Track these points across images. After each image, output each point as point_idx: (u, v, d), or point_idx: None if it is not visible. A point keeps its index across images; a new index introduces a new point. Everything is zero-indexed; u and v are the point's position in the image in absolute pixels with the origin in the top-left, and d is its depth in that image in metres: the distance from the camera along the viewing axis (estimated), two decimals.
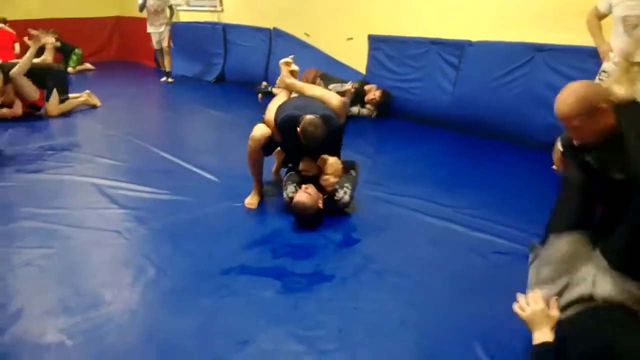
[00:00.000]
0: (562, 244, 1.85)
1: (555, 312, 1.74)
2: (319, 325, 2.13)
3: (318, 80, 5.51)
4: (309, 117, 2.91)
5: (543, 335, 1.69)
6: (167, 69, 8.00)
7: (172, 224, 3.08)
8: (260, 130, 3.19)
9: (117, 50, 10.81)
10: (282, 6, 6.91)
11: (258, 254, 2.75)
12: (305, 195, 2.95)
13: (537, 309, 1.73)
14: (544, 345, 1.67)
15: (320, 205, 3.01)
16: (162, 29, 7.77)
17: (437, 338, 2.06)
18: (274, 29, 7.09)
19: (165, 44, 7.87)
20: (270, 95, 5.90)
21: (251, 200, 3.35)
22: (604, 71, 3.63)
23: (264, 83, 6.33)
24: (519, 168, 4.06)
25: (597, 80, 3.63)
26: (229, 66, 7.88)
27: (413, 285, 2.43)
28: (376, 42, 5.81)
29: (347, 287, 2.43)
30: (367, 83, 5.69)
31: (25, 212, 3.22)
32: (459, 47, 5.01)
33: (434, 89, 5.22)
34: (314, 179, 3.09)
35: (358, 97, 5.55)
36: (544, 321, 1.71)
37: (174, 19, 8.34)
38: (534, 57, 4.49)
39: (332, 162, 3.02)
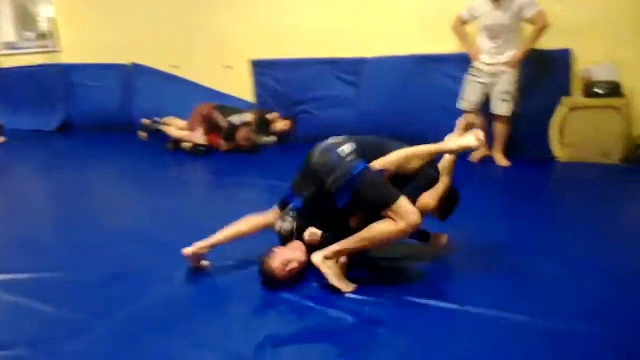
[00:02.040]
0: None
1: None
2: None
3: (215, 112, 5.03)
4: None
5: None
6: None
7: None
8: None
9: None
10: (140, 40, 6.19)
11: None
12: (278, 262, 2.26)
13: None
14: None
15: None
16: None
17: None
18: (133, 64, 6.31)
19: None
20: (159, 133, 5.25)
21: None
22: (471, 67, 4.26)
23: (146, 120, 5.51)
24: None
25: (467, 77, 4.28)
26: (76, 111, 6.76)
27: None
28: (260, 67, 5.56)
29: None
30: (268, 111, 5.39)
31: None
32: (355, 65, 5.03)
33: (335, 108, 5.16)
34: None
35: (261, 126, 5.21)
36: None
37: None
38: (429, 68, 4.68)
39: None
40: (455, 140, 2.39)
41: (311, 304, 2.15)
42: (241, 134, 5.04)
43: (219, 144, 5.13)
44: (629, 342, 1.84)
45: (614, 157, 4.11)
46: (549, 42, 4.26)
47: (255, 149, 5.08)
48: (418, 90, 4.74)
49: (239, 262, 2.54)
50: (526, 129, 4.42)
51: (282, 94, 5.44)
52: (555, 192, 3.88)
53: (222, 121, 5.07)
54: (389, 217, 2.12)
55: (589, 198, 3.47)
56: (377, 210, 2.15)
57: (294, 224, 2.40)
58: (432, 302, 2.14)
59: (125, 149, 5.53)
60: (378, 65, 4.93)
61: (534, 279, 2.33)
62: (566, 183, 3.96)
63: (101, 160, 5.18)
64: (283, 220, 2.44)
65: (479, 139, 2.23)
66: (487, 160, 4.38)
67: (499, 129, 4.30)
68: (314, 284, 2.30)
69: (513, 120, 4.31)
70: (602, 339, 1.85)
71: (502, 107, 4.20)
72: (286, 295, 2.23)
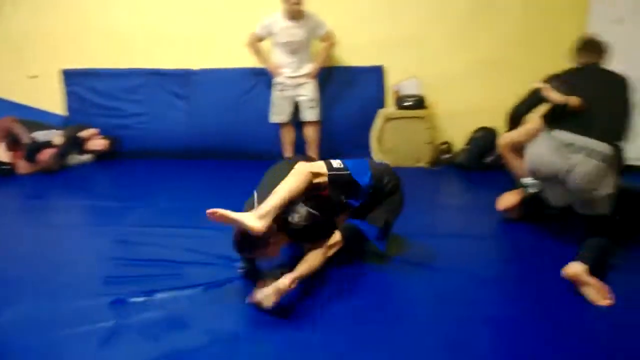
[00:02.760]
0: None
1: None
2: None
3: (16, 126, 4.40)
4: None
5: None
6: None
7: None
8: None
9: None
10: None
11: None
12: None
13: None
14: None
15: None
16: None
17: None
18: None
19: None
20: None
21: None
22: (279, 83, 4.44)
23: None
24: None
25: (274, 93, 4.48)
26: None
27: None
28: (74, 77, 5.06)
29: None
30: (83, 127, 4.87)
31: None
32: (183, 77, 4.86)
33: (163, 121, 4.91)
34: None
35: (73, 145, 4.70)
36: None
37: None
38: (257, 81, 4.73)
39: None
40: None
41: None
42: (43, 157, 4.46)
43: (17, 166, 4.49)
44: None
45: (424, 161, 4.64)
46: (364, 59, 4.70)
47: (62, 169, 4.57)
48: (249, 103, 4.78)
49: None
50: (350, 138, 4.77)
51: (99, 106, 5.00)
52: None
53: (25, 137, 4.45)
54: None
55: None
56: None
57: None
58: None
59: None
60: (208, 78, 4.86)
61: None
62: None
63: None
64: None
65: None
66: None
67: (311, 134, 4.59)
68: None
69: (335, 128, 4.64)
70: None
71: (311, 113, 4.52)
72: None
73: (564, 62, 2.92)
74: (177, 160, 4.86)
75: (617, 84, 2.65)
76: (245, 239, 2.15)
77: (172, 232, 3.08)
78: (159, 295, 2.29)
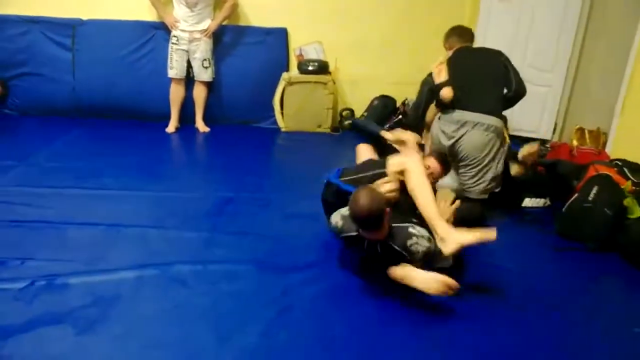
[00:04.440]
0: None
1: None
2: None
3: None
4: None
5: None
6: None
7: None
8: None
9: None
10: None
11: None
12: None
13: None
14: None
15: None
16: None
17: None
18: None
19: None
20: None
21: None
22: (174, 36, 4.30)
23: None
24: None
25: (170, 45, 4.31)
26: None
27: None
28: None
29: None
30: None
31: None
32: (69, 27, 4.45)
33: (47, 75, 4.48)
34: None
35: None
36: None
37: None
38: (154, 35, 4.48)
39: None
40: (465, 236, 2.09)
41: None
42: None
43: None
44: None
45: (325, 126, 4.70)
46: (267, 20, 4.60)
47: None
48: (143, 59, 4.51)
49: None
50: (252, 101, 4.68)
51: None
52: (279, 153, 4.30)
53: None
54: None
55: (303, 156, 4.06)
56: None
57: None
58: None
59: None
60: (98, 29, 4.47)
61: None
62: (285, 145, 4.38)
63: None
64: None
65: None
66: (186, 128, 4.49)
67: (201, 95, 4.48)
68: None
69: (236, 91, 4.55)
70: None
71: (204, 73, 4.40)
72: None
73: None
74: (63, 118, 4.50)
75: (493, 58, 2.89)
76: (369, 218, 1.99)
77: (51, 192, 2.91)
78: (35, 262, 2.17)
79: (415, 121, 3.43)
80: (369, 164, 2.57)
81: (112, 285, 2.05)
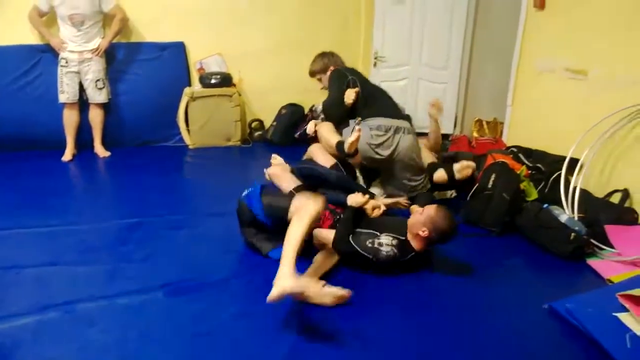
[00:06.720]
0: None
1: None
2: None
3: None
4: None
5: None
6: None
7: None
8: None
9: None
10: None
11: None
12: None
13: None
14: None
15: None
16: None
17: None
18: None
19: None
20: None
21: None
22: (63, 59, 4.07)
23: None
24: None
25: (60, 69, 4.07)
26: None
27: None
28: None
29: None
30: None
31: None
32: None
33: None
34: None
35: None
36: None
37: None
38: (41, 59, 4.18)
39: None
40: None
41: None
42: None
43: None
44: None
45: (235, 139, 4.61)
46: (162, 36, 4.44)
47: None
48: (29, 85, 4.17)
49: None
50: (154, 121, 4.50)
51: None
52: (188, 171, 4.14)
53: None
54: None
55: (213, 172, 3.97)
56: None
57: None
58: None
59: None
60: None
61: None
62: (194, 163, 4.23)
63: None
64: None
65: None
66: (85, 154, 4.26)
67: (97, 118, 4.26)
68: None
69: (137, 111, 4.36)
70: None
71: (99, 95, 4.18)
72: None
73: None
74: None
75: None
76: None
77: None
78: None
79: (339, 114, 3.27)
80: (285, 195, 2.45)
81: (12, 331, 1.86)
